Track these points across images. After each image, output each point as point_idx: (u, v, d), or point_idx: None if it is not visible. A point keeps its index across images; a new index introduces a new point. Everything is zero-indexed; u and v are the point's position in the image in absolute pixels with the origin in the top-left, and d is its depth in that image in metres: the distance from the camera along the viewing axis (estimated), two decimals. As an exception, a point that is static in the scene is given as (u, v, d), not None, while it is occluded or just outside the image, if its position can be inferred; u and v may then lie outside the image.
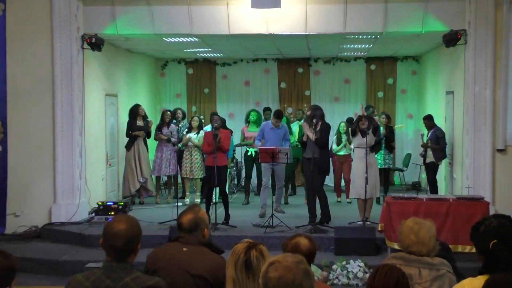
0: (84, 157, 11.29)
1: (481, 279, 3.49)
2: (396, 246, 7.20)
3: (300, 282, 2.95)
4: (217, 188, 11.11)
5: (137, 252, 3.94)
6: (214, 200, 10.83)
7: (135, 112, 12.93)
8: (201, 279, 4.34)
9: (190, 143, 12.86)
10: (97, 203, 11.43)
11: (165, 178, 14.01)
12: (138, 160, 12.94)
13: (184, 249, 4.48)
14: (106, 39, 11.62)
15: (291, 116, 15.50)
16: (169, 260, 4.38)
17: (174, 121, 13.53)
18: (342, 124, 13.06)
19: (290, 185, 14.02)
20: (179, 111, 13.62)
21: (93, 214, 11.14)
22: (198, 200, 12.85)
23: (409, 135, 16.29)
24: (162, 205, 13.02)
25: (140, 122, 12.88)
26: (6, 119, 10.83)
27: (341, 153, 12.89)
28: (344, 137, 12.90)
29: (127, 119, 13.14)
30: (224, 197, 10.87)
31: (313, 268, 8.11)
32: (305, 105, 16.18)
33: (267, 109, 13.85)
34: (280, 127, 11.64)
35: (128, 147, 12.97)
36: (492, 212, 9.54)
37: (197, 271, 4.35)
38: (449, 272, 4.44)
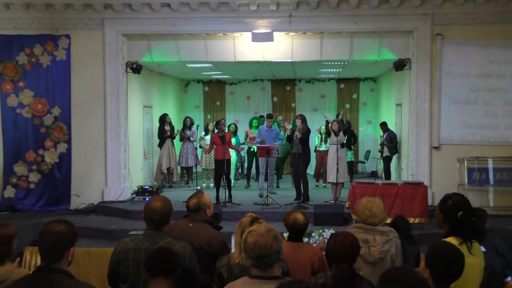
0: (127, 153, 11.25)
1: (450, 239, 3.49)
2: (356, 218, 7.41)
3: (271, 245, 3.01)
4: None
5: (170, 223, 3.98)
6: (222, 184, 10.83)
7: (163, 119, 13.04)
8: (200, 250, 4.21)
9: (205, 144, 12.91)
10: (137, 187, 11.44)
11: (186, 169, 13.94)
12: (168, 155, 13.02)
13: (190, 224, 4.42)
14: (143, 65, 11.62)
15: (281, 122, 15.48)
16: (179, 232, 4.21)
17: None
18: (323, 127, 13.13)
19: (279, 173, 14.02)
20: (188, 118, 13.58)
21: (134, 195, 11.16)
22: (212, 185, 12.79)
23: (367, 136, 16.31)
24: (185, 188, 13.05)
25: (167, 127, 12.98)
26: (70, 124, 10.85)
27: (322, 148, 12.93)
28: (323, 136, 12.91)
29: (158, 124, 13.23)
30: (227, 181, 10.79)
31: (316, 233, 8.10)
32: (291, 114, 16.24)
33: (262, 117, 13.96)
34: (273, 129, 11.71)
35: (160, 145, 13.07)
36: (430, 193, 9.88)
37: (198, 244, 4.23)
38: (395, 237, 4.38)
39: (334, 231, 8.32)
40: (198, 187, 11.57)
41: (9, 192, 10.83)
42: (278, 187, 13.06)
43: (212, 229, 4.52)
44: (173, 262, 3.20)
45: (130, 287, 3.71)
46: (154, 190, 11.33)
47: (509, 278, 4.29)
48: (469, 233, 3.53)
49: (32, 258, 7.63)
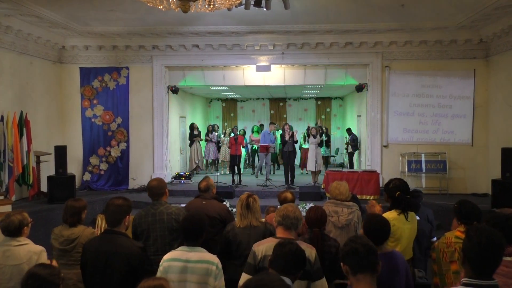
0: (168, 149, 11.20)
1: (393, 212, 3.58)
2: (329, 196, 7.38)
3: (294, 212, 3.11)
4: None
5: (167, 195, 3.98)
6: (236, 171, 10.84)
7: (192, 126, 13.04)
8: (213, 218, 4.20)
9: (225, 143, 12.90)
10: (175, 173, 11.43)
11: (210, 161, 13.97)
12: (195, 151, 13.02)
13: (204, 202, 4.39)
14: (180, 88, 11.60)
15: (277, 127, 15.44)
16: (196, 208, 4.19)
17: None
18: (305, 132, 13.11)
19: (276, 164, 14.02)
20: (210, 125, 13.57)
21: (173, 179, 11.14)
22: (228, 172, 12.76)
23: (337, 138, 16.31)
24: (210, 174, 13.05)
25: (196, 132, 12.96)
26: (128, 129, 10.83)
27: (305, 146, 12.92)
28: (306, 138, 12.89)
29: (188, 130, 13.21)
30: (238, 170, 10.87)
31: (301, 206, 7.98)
32: (283, 122, 16.17)
33: (262, 125, 13.90)
34: (272, 134, 11.68)
35: (190, 145, 13.06)
36: (381, 179, 9.80)
37: (211, 214, 4.20)
38: (357, 209, 4.37)
39: (312, 205, 8.31)
40: (217, 174, 11.56)
41: (87, 176, 10.85)
42: (274, 173, 13.04)
43: (219, 203, 4.52)
44: (201, 227, 3.06)
45: (145, 241, 3.75)
46: (187, 176, 11.30)
47: (434, 239, 4.24)
48: (405, 206, 3.54)
49: (102, 223, 7.58)
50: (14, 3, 7.61)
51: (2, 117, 8.35)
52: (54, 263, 3.36)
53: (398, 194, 3.55)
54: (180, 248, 2.98)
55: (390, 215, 3.57)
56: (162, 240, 3.69)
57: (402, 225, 3.53)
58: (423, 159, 10.11)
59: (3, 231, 3.25)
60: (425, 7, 8.23)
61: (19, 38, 8.99)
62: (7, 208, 6.30)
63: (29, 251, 3.19)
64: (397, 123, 10.34)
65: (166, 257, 2.95)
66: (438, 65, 10.15)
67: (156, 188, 3.88)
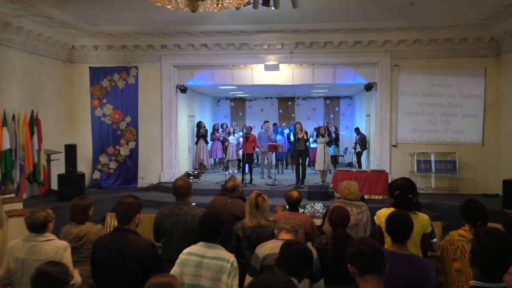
0: (177, 148, 11.25)
1: (390, 209, 3.49)
2: (339, 195, 7.38)
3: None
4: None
5: (191, 195, 3.94)
6: (246, 171, 10.88)
7: (199, 125, 13.01)
8: (237, 217, 4.22)
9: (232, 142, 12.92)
10: (184, 172, 11.45)
11: (217, 159, 13.97)
12: (201, 150, 13.03)
13: (229, 200, 4.44)
14: (188, 87, 11.62)
15: (285, 126, 15.41)
16: (220, 205, 4.27)
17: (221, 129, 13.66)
18: (313, 131, 13.08)
19: (284, 163, 14.00)
20: (217, 124, 13.54)
21: None
22: (236, 171, 12.84)
23: (346, 137, 16.26)
24: (217, 173, 13.07)
25: (202, 130, 12.94)
26: (137, 128, 10.88)
27: (314, 146, 12.89)
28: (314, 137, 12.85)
29: (195, 128, 13.24)
30: (250, 169, 10.88)
31: (309, 205, 8.10)
32: (292, 121, 16.14)
33: (266, 121, 13.72)
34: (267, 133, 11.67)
35: (196, 143, 13.06)
36: (389, 179, 9.62)
37: (236, 213, 4.26)
38: (367, 209, 4.38)
39: (321, 204, 8.30)
40: (230, 172, 11.55)
41: (96, 175, 10.93)
42: (282, 172, 13.02)
43: (243, 202, 4.45)
44: (219, 225, 3.09)
45: (167, 240, 3.77)
46: (195, 174, 11.31)
47: (434, 240, 4.21)
48: (402, 206, 3.49)
49: (112, 221, 7.70)
50: (25, 4, 7.71)
51: (14, 116, 8.46)
52: (77, 271, 3.40)
53: (396, 194, 3.54)
54: (199, 243, 3.02)
55: (383, 211, 3.59)
56: (184, 241, 3.69)
57: None
58: (432, 159, 10.04)
59: (29, 228, 3.32)
60: (435, 5, 8.16)
61: (30, 38, 9.11)
62: (18, 206, 6.40)
63: (55, 247, 3.27)
64: (406, 123, 10.26)
65: (185, 250, 3.01)
66: (448, 64, 10.06)
67: (181, 188, 3.86)
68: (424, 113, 10.21)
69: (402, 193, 3.51)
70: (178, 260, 2.95)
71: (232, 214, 4.19)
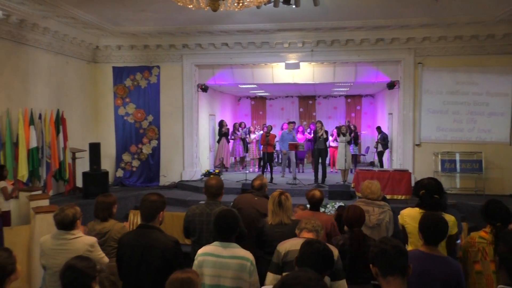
0: (198, 147, 11.31)
1: (415, 209, 3.49)
2: (360, 195, 7.29)
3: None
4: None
5: (222, 195, 3.96)
6: (266, 169, 10.83)
7: (221, 124, 13.09)
8: (264, 215, 4.16)
9: (253, 140, 12.94)
10: (205, 170, 11.55)
11: (238, 158, 13.99)
12: (223, 148, 13.08)
13: (256, 198, 4.47)
14: (209, 86, 11.75)
15: (306, 125, 15.35)
16: (247, 203, 4.31)
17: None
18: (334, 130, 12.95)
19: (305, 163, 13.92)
20: (237, 123, 13.59)
21: (203, 176, 11.22)
22: (256, 170, 12.86)
23: (368, 136, 16.07)
24: (237, 172, 13.10)
25: (224, 129, 13.02)
26: (159, 127, 11.02)
27: (333, 145, 12.77)
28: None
29: (217, 127, 13.30)
30: (270, 168, 10.84)
31: (330, 205, 8.04)
32: (312, 120, 16.04)
33: (292, 122, 13.74)
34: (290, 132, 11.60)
35: (218, 141, 13.14)
36: (412, 179, 9.59)
37: (262, 211, 4.25)
38: (389, 209, 4.31)
39: (343, 204, 8.22)
40: (251, 171, 11.52)
41: (119, 173, 11.13)
42: (303, 171, 12.96)
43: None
44: (236, 224, 3.13)
45: (197, 239, 3.77)
46: (216, 173, 11.36)
47: (459, 241, 4.15)
48: (427, 206, 3.41)
49: (134, 218, 7.81)
50: (52, 5, 7.92)
51: (40, 115, 8.70)
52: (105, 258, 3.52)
53: (422, 193, 3.47)
54: (213, 243, 3.04)
55: (407, 211, 3.54)
56: (214, 241, 3.71)
57: (414, 223, 3.35)
58: (457, 158, 9.87)
59: (58, 225, 3.37)
60: (460, 0, 7.98)
61: (56, 39, 9.34)
62: (45, 203, 6.57)
63: (84, 243, 3.33)
64: (430, 121, 10.11)
65: (200, 251, 3.02)
66: (474, 61, 9.85)
67: (213, 188, 3.86)
68: (448, 111, 10.04)
69: (428, 193, 3.44)
70: (195, 262, 2.95)
71: (258, 211, 4.23)
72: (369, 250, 3.35)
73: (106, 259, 3.43)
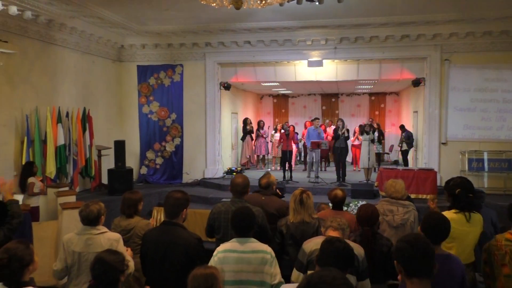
0: (220, 145, 11.35)
1: (451, 211, 3.42)
2: (384, 194, 7.18)
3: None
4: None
5: (248, 193, 3.95)
6: (286, 168, 10.82)
7: (245, 122, 13.11)
8: (272, 215, 4.21)
9: (274, 139, 12.93)
10: (227, 168, 11.54)
11: (260, 156, 14.01)
12: (247, 146, 13.12)
13: (263, 197, 4.41)
14: (232, 84, 11.73)
15: (328, 123, 15.20)
16: (254, 203, 4.14)
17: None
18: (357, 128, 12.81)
19: (327, 161, 13.80)
20: (262, 121, 13.60)
21: (225, 174, 11.20)
22: (278, 168, 12.76)
23: (392, 134, 15.81)
24: (260, 170, 13.10)
25: (248, 127, 13.05)
26: (182, 125, 11.12)
27: (356, 143, 12.62)
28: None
29: (241, 125, 13.34)
30: (290, 166, 10.80)
31: (353, 204, 8.02)
32: (335, 118, 15.89)
33: (316, 118, 13.53)
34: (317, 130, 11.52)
35: (242, 139, 13.18)
36: (438, 178, 9.40)
37: (270, 211, 4.24)
38: (414, 209, 4.23)
39: (365, 203, 8.10)
40: (268, 170, 11.57)
41: (143, 170, 11.29)
42: (325, 170, 12.87)
43: (279, 199, 4.51)
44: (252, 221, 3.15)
45: (222, 237, 3.76)
46: (239, 171, 11.35)
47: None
48: (464, 206, 3.36)
49: (158, 215, 7.93)
50: (78, 5, 8.11)
51: (67, 113, 8.93)
52: (129, 251, 3.59)
53: (458, 192, 3.39)
54: (232, 240, 3.07)
55: (447, 215, 3.40)
56: None
57: (459, 227, 3.32)
58: (485, 157, 9.62)
59: (83, 220, 3.45)
60: (489, -5, 7.77)
61: (83, 39, 9.56)
62: (72, 199, 6.74)
63: (109, 239, 3.40)
64: (457, 119, 9.90)
65: (220, 248, 3.04)
66: (504, 58, 9.56)
67: (239, 186, 3.87)
68: (476, 109, 9.81)
69: (464, 192, 3.38)
70: (215, 259, 2.96)
71: (266, 212, 4.14)
72: (382, 249, 3.29)
73: (128, 257, 3.48)
